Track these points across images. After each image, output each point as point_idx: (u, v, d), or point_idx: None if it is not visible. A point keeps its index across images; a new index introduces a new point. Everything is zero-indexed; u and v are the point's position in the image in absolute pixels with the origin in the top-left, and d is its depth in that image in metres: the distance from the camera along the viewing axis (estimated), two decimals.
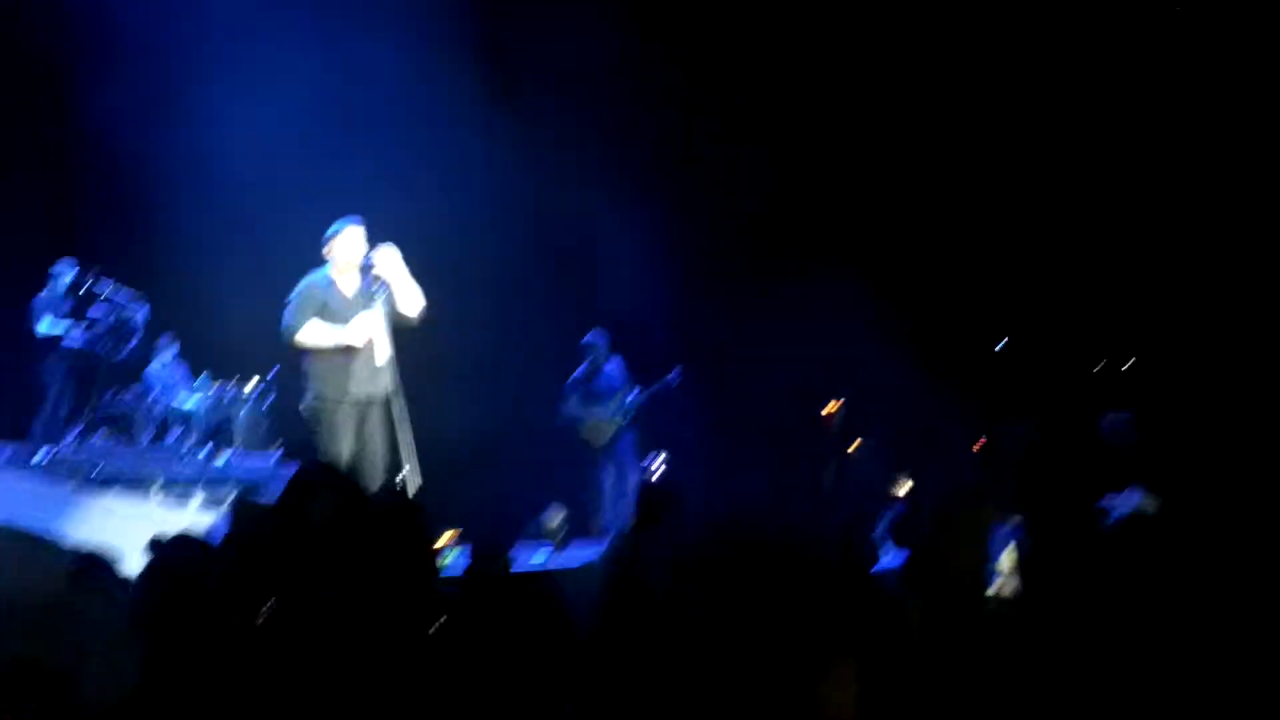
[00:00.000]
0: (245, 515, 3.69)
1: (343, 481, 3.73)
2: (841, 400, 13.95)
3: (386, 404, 8.54)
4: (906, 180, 14.19)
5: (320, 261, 8.67)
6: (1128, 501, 6.57)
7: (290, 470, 10.66)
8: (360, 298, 8.59)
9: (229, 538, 3.82)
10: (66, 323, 12.42)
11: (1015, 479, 11.19)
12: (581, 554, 10.04)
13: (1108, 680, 3.33)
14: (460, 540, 8.34)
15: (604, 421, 12.50)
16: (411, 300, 8.66)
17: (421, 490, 8.33)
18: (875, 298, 13.55)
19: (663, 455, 13.48)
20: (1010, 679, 3.40)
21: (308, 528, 3.21)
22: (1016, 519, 4.51)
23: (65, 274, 12.54)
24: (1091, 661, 3.41)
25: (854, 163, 14.24)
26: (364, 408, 8.49)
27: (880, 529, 6.07)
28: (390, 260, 8.59)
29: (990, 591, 4.30)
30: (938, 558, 3.87)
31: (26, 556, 2.35)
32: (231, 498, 10.77)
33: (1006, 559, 4.50)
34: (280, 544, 3.02)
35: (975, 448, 12.97)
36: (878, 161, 14.20)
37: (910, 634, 3.50)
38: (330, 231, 8.64)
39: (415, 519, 3.84)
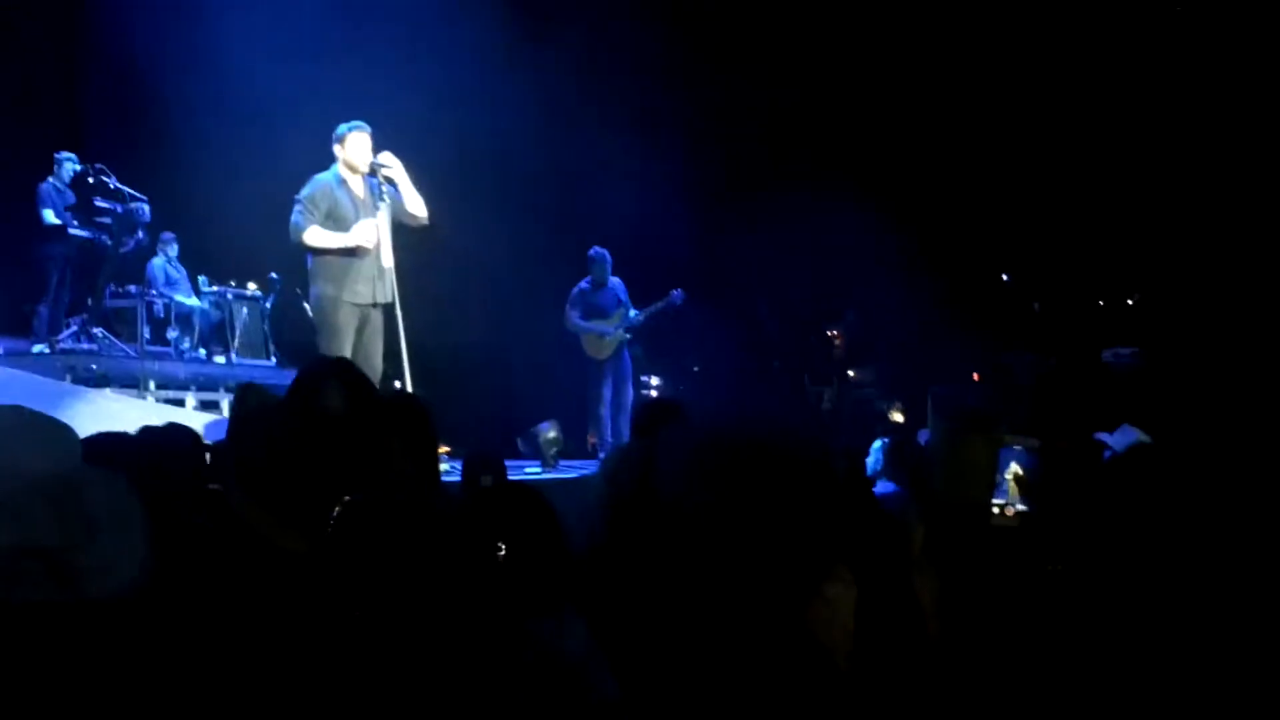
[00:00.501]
0: (251, 402, 3.64)
1: (355, 376, 3.70)
2: (840, 329, 13.93)
3: (386, 310, 8.52)
4: (922, 104, 14.06)
5: (327, 163, 8.62)
6: (1123, 438, 6.55)
7: (287, 373, 10.69)
8: (367, 200, 8.56)
9: (234, 421, 3.79)
10: (69, 214, 12.35)
11: (1027, 405, 11.20)
12: (575, 474, 10.05)
13: (1106, 605, 3.32)
14: (452, 454, 8.35)
15: (606, 335, 12.48)
16: (416, 205, 8.63)
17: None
18: (885, 224, 13.47)
19: (659, 379, 13.48)
20: (1010, 602, 3.39)
21: (320, 417, 3.19)
22: (1028, 443, 4.49)
23: (70, 161, 12.44)
24: (1092, 589, 3.40)
25: (868, 84, 14.10)
26: (365, 310, 8.48)
27: (873, 456, 6.02)
28: (391, 163, 8.56)
29: (995, 513, 4.28)
30: (944, 478, 3.84)
31: (27, 438, 2.30)
32: (234, 387, 10.78)
33: (1012, 482, 4.48)
34: (290, 432, 2.99)
35: (975, 377, 12.96)
36: (893, 82, 14.07)
37: (909, 552, 3.48)
38: (338, 133, 8.61)
39: (424, 418, 3.81)
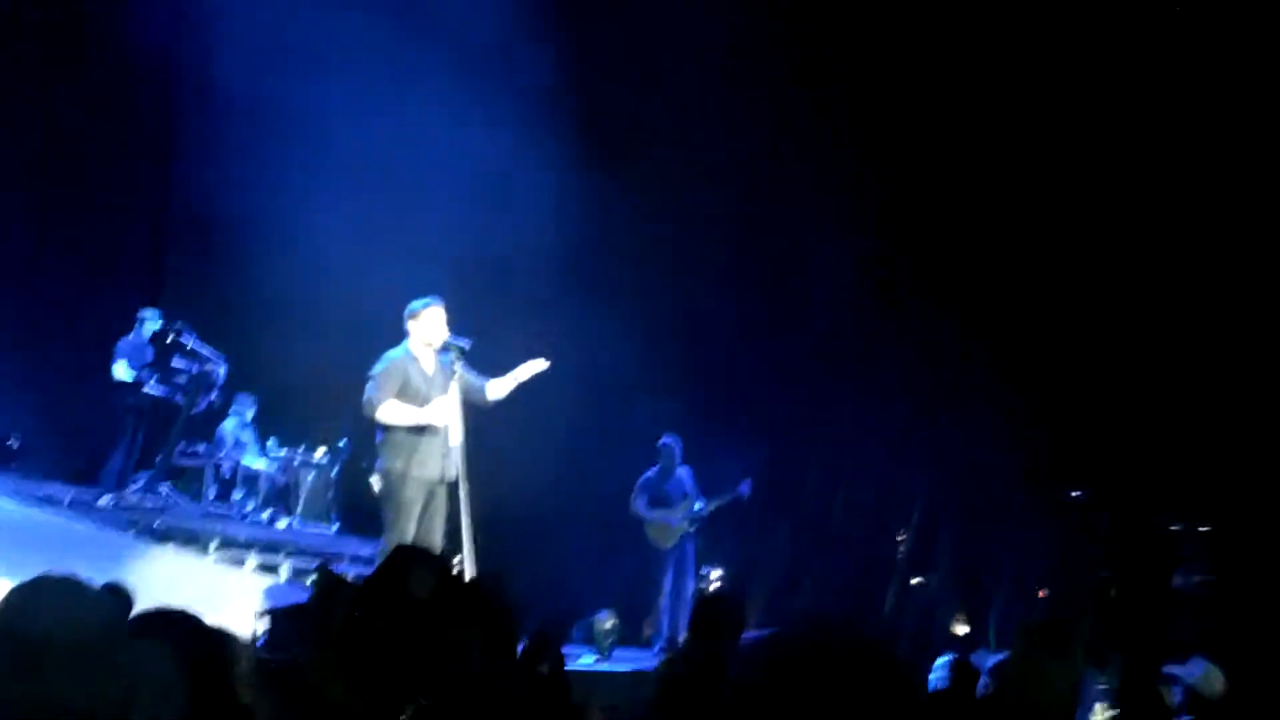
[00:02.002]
0: (330, 586, 3.63)
1: (442, 566, 3.68)
2: (906, 532, 13.77)
3: (452, 487, 8.51)
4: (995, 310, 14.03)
5: (398, 336, 8.70)
6: (1192, 671, 6.38)
7: (347, 540, 10.68)
8: (438, 376, 8.61)
9: (314, 606, 3.76)
10: (147, 370, 12.52)
11: (1093, 622, 10.99)
12: (628, 665, 9.91)
13: None
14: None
15: (671, 525, 12.42)
16: (501, 391, 8.69)
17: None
18: (960, 435, 13.41)
19: (720, 570, 13.35)
20: None
21: (407, 603, 3.17)
22: (1109, 674, 4.37)
23: (150, 320, 12.67)
24: None
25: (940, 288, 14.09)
26: (432, 487, 8.48)
27: (937, 672, 5.87)
28: (534, 371, 8.70)
29: None
30: (1023, 698, 3.72)
31: (79, 598, 2.30)
32: (293, 565, 10.79)
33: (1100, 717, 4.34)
34: (376, 617, 2.97)
35: (1040, 594, 12.74)
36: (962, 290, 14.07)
37: None
38: (412, 308, 8.68)
39: (507, 613, 3.76)
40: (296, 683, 2.92)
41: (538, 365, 8.75)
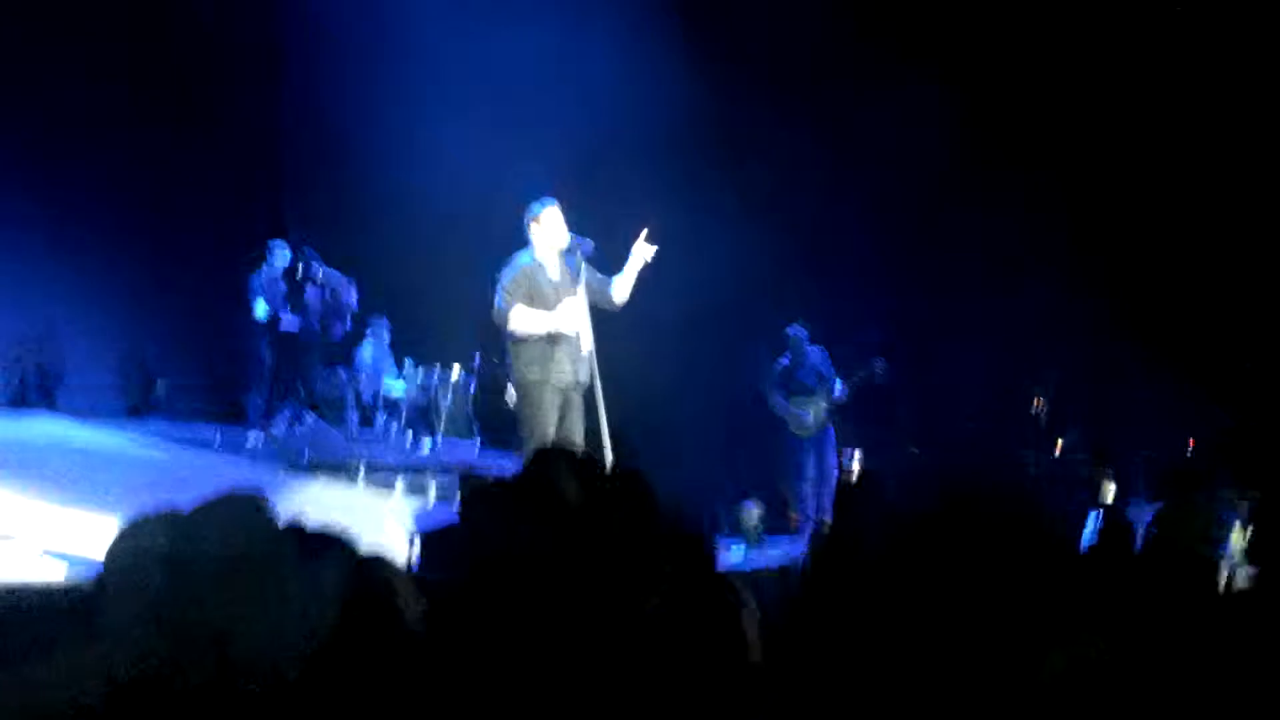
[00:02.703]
0: (476, 496, 3.66)
1: (587, 464, 3.70)
2: (1043, 393, 13.61)
3: (587, 391, 8.54)
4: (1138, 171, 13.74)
5: (522, 240, 8.68)
6: None
7: (492, 453, 10.79)
8: (565, 279, 8.60)
9: (460, 523, 3.80)
10: (282, 302, 12.68)
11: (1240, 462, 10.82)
12: (779, 551, 9.94)
13: None
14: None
15: (810, 414, 12.42)
16: (624, 294, 8.67)
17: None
18: (1092, 286, 13.21)
19: (859, 452, 13.32)
20: (1244, 671, 3.21)
21: (561, 505, 3.20)
22: (1248, 502, 4.30)
23: (280, 250, 12.79)
24: None
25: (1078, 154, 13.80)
26: (567, 392, 8.50)
27: (1088, 528, 5.82)
28: (645, 256, 8.63)
29: (1223, 581, 4.11)
30: (1167, 546, 3.69)
31: (250, 520, 2.36)
32: (456, 479, 10.93)
33: (1237, 544, 4.29)
34: (527, 525, 3.01)
35: (1190, 443, 12.54)
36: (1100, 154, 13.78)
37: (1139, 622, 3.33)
38: (532, 211, 8.62)
39: (657, 502, 3.78)
40: (453, 601, 2.97)
41: (646, 250, 8.67)
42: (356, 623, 2.64)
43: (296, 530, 3.12)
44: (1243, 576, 4.16)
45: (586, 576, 2.95)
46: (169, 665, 2.35)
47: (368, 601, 2.99)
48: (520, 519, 3.00)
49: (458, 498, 4.45)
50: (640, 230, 8.68)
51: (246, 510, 2.57)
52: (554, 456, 3.65)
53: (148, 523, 2.56)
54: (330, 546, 3.16)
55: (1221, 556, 4.16)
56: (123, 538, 2.57)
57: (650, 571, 3.32)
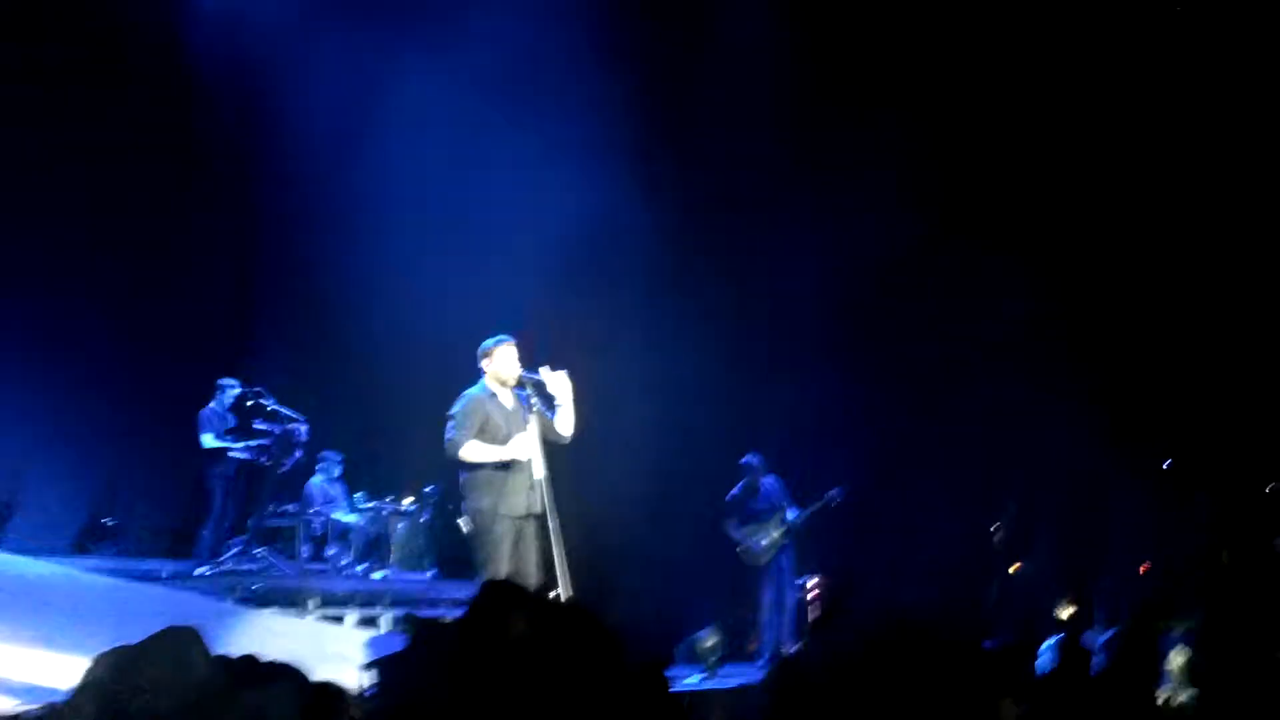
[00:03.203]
0: (423, 632, 3.64)
1: (533, 599, 3.67)
2: (1001, 522, 13.64)
3: (540, 520, 8.52)
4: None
5: (474, 376, 8.74)
6: None
7: (446, 585, 10.74)
8: (517, 412, 8.64)
9: (408, 655, 3.77)
10: (231, 436, 12.68)
11: (1190, 589, 10.84)
12: (735, 681, 9.88)
13: None
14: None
15: (763, 543, 12.41)
16: (567, 425, 8.71)
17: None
18: (1053, 414, 13.30)
19: (817, 578, 13.30)
20: None
21: (505, 644, 3.17)
22: (1188, 624, 4.33)
23: (230, 388, 12.83)
24: None
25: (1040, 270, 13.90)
26: (520, 524, 8.50)
27: (1044, 655, 5.82)
28: (563, 385, 8.64)
29: (1161, 699, 4.11)
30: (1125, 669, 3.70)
31: (183, 659, 2.33)
32: (393, 616, 10.86)
33: (1176, 662, 4.29)
34: (473, 660, 2.98)
35: (1142, 570, 12.60)
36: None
37: None
38: (484, 346, 8.73)
39: (606, 635, 3.75)
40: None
41: (558, 379, 8.69)
42: None
43: (242, 661, 3.09)
44: (1185, 697, 4.16)
45: (536, 711, 2.93)
46: None
47: None
48: (466, 654, 2.98)
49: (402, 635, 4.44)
50: (540, 365, 8.73)
51: (182, 645, 2.53)
52: (501, 591, 3.63)
53: (102, 662, 2.54)
54: (278, 676, 3.12)
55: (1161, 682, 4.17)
56: (82, 678, 2.55)
57: (602, 704, 3.29)
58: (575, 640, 3.43)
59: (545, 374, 8.67)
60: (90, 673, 2.51)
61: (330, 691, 3.54)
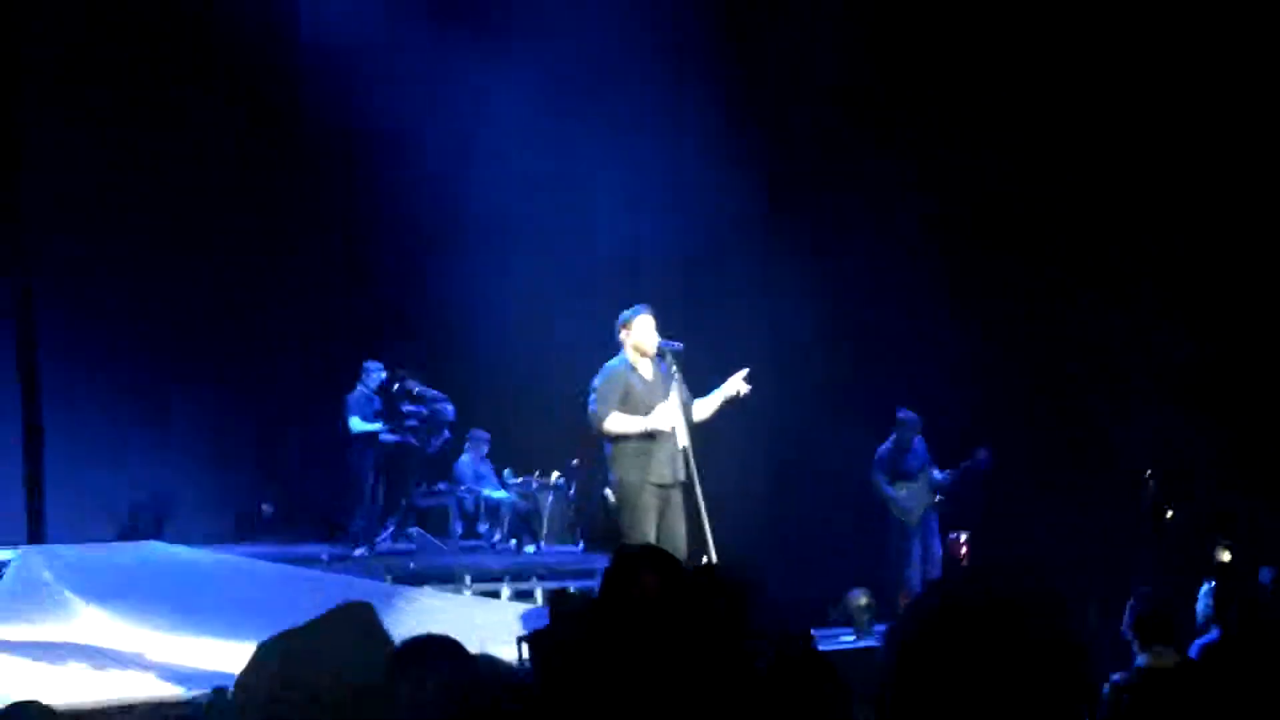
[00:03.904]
0: (563, 605, 3.73)
1: (665, 560, 3.72)
2: (1151, 470, 13.37)
3: (686, 489, 8.57)
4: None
5: (614, 349, 8.79)
6: None
7: (595, 557, 10.86)
8: (657, 382, 8.67)
9: (553, 628, 3.86)
10: (379, 420, 12.86)
11: None
12: None
13: None
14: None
15: (914, 501, 12.39)
16: (707, 412, 8.75)
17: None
18: (1191, 372, 13.03)
19: (967, 534, 13.22)
20: None
21: (633, 604, 3.23)
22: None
23: (375, 371, 12.99)
24: None
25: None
26: (666, 493, 8.54)
27: (1201, 601, 5.75)
28: (737, 389, 8.70)
29: None
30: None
31: (346, 644, 2.39)
32: (545, 589, 11.02)
33: None
34: (609, 625, 3.03)
35: None
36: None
37: None
38: (624, 318, 8.74)
39: (739, 597, 3.79)
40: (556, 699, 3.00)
41: (739, 385, 8.75)
42: None
43: (406, 642, 3.17)
44: None
45: (676, 671, 2.97)
46: None
47: (477, 704, 3.03)
48: (602, 621, 3.03)
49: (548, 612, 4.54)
50: (741, 369, 8.77)
51: (357, 624, 2.61)
52: (631, 554, 3.68)
53: (271, 644, 2.61)
54: (439, 654, 3.20)
55: None
56: (252, 659, 2.63)
57: (744, 663, 3.34)
58: (711, 598, 3.47)
59: (733, 381, 8.73)
60: (264, 651, 2.60)
61: (486, 663, 3.62)
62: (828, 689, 3.14)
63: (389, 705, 2.49)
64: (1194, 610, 6.04)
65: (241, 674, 2.58)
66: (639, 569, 3.48)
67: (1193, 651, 4.71)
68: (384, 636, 2.59)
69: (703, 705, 2.92)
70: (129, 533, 13.28)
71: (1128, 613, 4.97)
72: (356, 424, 12.81)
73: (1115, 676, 4.86)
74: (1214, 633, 5.30)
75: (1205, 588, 5.70)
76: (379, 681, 2.48)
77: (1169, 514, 13.11)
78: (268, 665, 2.53)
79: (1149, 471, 13.27)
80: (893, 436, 12.60)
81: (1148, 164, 13.14)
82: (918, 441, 12.61)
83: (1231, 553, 11.73)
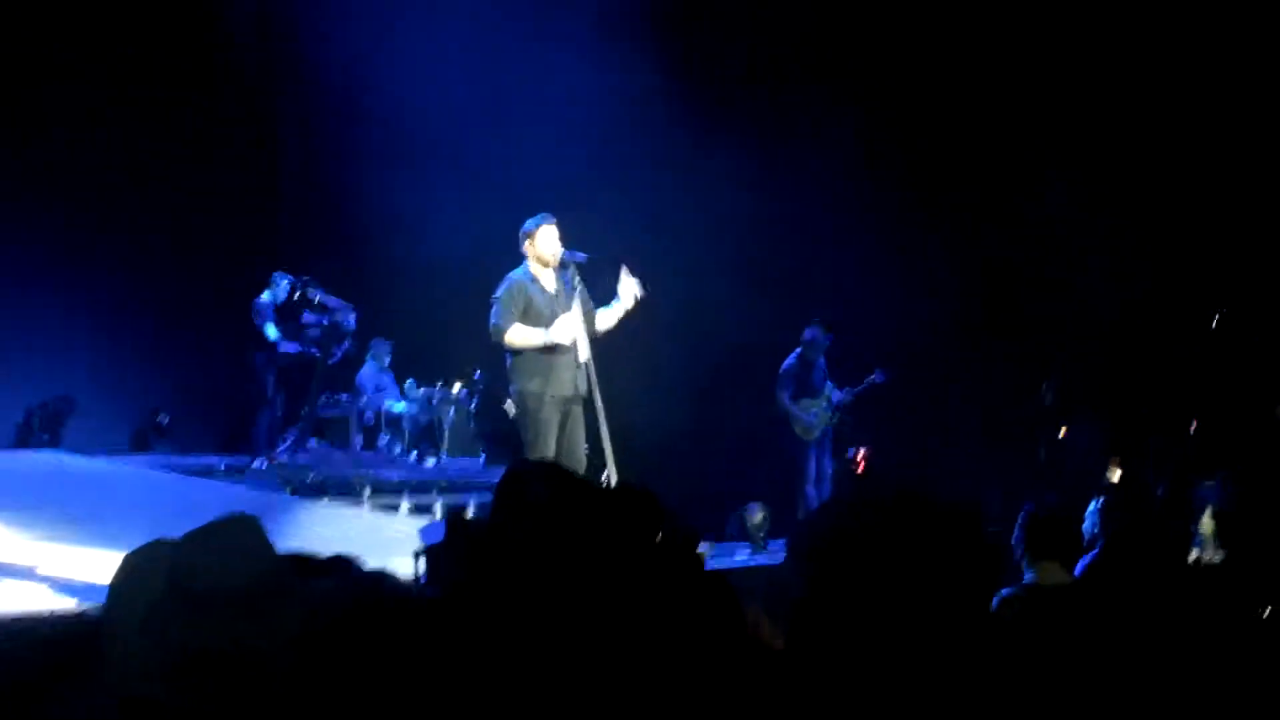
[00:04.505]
0: (458, 520, 3.73)
1: (558, 473, 3.72)
2: (1049, 384, 13.58)
3: (587, 402, 8.58)
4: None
5: (516, 259, 8.74)
6: None
7: (496, 470, 10.85)
8: (560, 293, 8.64)
9: (448, 544, 3.85)
10: (279, 330, 12.73)
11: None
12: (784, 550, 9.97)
13: None
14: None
15: (816, 416, 12.49)
16: (610, 322, 8.74)
17: None
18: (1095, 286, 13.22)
19: (864, 450, 13.37)
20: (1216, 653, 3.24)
21: (527, 513, 3.23)
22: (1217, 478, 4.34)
23: (282, 281, 12.85)
24: None
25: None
26: (567, 405, 8.55)
27: (1089, 519, 5.84)
28: (631, 291, 8.69)
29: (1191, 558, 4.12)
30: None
31: (231, 554, 2.37)
32: (445, 503, 11.00)
33: (1207, 522, 4.31)
34: (499, 534, 3.04)
35: (1191, 429, 12.53)
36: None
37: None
38: (526, 228, 8.69)
39: (635, 511, 3.80)
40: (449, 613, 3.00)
41: (634, 287, 8.71)
42: (358, 640, 2.66)
43: (297, 553, 3.15)
44: (1215, 558, 4.18)
45: (571, 585, 2.98)
46: (172, 691, 2.38)
47: (371, 617, 3.02)
48: (495, 532, 3.04)
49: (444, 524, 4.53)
50: (621, 267, 8.75)
51: (242, 534, 2.58)
52: (524, 467, 3.70)
53: (147, 551, 2.58)
54: (331, 567, 3.18)
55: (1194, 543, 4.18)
56: (125, 567, 2.59)
57: (641, 574, 3.35)
58: (603, 509, 3.48)
59: (625, 278, 8.70)
60: (139, 558, 2.56)
61: (382, 579, 3.61)
62: (719, 597, 3.15)
63: (277, 618, 2.47)
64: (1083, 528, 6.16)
65: (115, 581, 2.54)
66: (531, 483, 3.48)
67: (1077, 570, 4.78)
68: (270, 548, 2.56)
69: (598, 617, 2.94)
70: (24, 440, 13.13)
71: (1017, 528, 5.03)
72: (272, 331, 12.66)
73: (1004, 591, 4.94)
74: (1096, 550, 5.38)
75: (1093, 505, 5.78)
76: (266, 594, 2.45)
77: (1062, 432, 13.35)
78: (145, 573, 2.50)
79: (1045, 386, 13.48)
80: (797, 353, 12.65)
81: (1076, 105, 13.28)
82: (821, 361, 12.70)
83: (1122, 470, 11.96)
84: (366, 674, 2.54)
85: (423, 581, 4.78)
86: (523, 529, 3.13)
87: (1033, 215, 13.60)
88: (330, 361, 12.87)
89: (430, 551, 4.95)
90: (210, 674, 2.38)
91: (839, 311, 13.00)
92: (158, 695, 2.37)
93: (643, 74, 13.23)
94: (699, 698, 2.79)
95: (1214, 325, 12.75)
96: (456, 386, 14.10)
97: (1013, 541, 5.08)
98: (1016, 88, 13.53)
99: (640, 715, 2.80)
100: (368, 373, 14.13)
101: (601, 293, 8.85)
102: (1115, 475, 11.77)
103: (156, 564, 2.52)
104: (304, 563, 3.18)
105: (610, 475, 8.43)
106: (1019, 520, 5.08)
